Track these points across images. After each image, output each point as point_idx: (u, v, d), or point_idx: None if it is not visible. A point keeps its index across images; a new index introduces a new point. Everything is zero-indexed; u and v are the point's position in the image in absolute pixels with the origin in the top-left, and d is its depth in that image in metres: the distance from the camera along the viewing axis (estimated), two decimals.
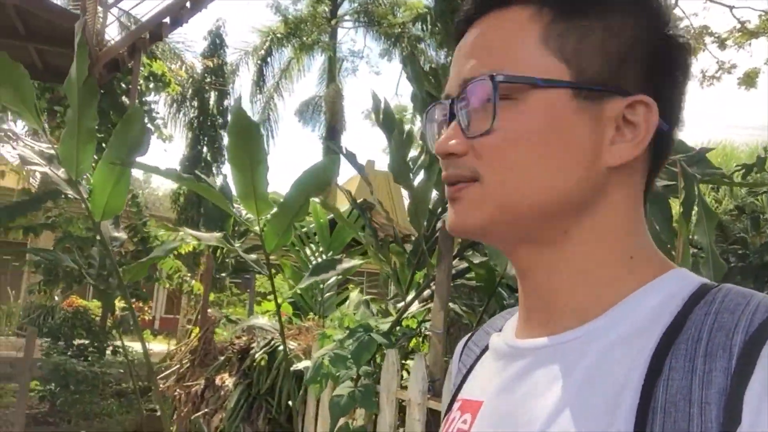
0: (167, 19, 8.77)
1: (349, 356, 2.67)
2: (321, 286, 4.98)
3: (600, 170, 0.54)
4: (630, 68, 0.54)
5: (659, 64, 0.55)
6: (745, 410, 0.42)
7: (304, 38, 20.04)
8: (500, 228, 0.56)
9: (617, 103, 0.53)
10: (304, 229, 5.33)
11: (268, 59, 20.35)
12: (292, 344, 3.76)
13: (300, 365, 3.33)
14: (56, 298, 8.21)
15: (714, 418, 0.43)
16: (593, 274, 0.55)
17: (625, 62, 0.54)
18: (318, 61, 21.12)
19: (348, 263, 3.12)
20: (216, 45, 17.40)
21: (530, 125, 0.53)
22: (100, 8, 8.39)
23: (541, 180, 0.53)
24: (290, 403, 3.50)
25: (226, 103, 17.17)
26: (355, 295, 4.26)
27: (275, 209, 2.80)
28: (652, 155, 0.57)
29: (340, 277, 4.55)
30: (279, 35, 20.08)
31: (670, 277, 0.54)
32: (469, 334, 0.76)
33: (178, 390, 4.46)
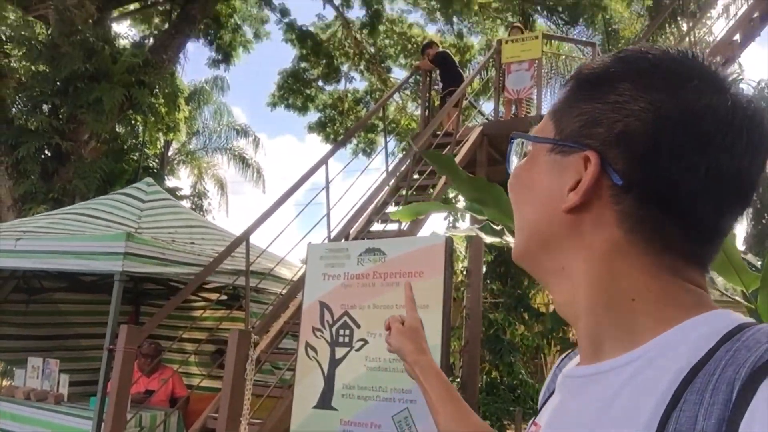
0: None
1: None
2: None
3: (559, 211, 0.61)
4: (599, 131, 0.58)
5: (651, 138, 0.56)
6: None
7: None
8: (524, 257, 0.67)
9: (576, 158, 0.60)
10: None
11: None
12: None
13: None
14: None
15: None
16: (602, 312, 0.59)
17: (598, 125, 0.59)
18: None
19: None
20: None
21: (521, 171, 0.68)
22: None
23: (528, 214, 0.66)
24: None
25: None
26: None
27: None
28: (638, 208, 0.57)
29: None
30: None
31: (706, 318, 0.55)
32: (559, 360, 0.80)
33: None
